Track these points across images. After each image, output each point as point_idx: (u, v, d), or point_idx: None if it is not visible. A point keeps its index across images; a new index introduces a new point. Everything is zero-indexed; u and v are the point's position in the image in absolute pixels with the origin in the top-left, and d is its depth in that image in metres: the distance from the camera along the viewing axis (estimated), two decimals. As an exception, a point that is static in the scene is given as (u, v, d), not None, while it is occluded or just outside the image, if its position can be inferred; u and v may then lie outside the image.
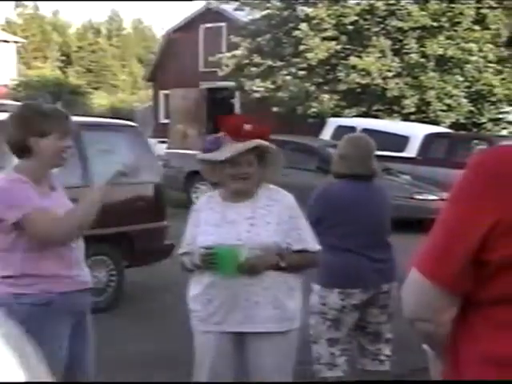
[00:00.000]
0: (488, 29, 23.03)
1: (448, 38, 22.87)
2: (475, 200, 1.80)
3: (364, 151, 4.74)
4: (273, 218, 3.89)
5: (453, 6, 22.82)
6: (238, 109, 29.23)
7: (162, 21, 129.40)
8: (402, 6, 22.72)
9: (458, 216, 1.85)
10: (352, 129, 18.14)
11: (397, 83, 22.87)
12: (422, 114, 22.93)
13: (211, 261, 3.83)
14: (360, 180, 4.72)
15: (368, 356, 4.77)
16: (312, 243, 4.07)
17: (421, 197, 14.63)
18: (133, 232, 7.64)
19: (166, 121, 30.10)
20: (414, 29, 22.72)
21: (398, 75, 23.16)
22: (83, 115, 11.00)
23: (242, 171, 3.88)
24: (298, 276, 4.11)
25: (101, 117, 15.99)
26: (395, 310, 4.81)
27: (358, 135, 5.51)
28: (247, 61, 25.28)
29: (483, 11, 22.90)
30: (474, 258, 1.80)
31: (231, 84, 27.41)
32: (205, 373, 4.01)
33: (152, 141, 16.82)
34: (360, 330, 4.78)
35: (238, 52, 25.75)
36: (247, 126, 3.96)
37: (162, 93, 33.36)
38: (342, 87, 23.50)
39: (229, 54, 26.55)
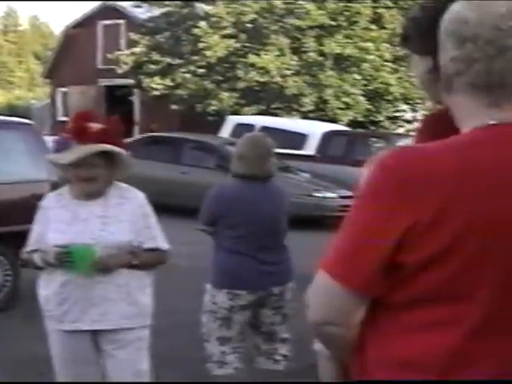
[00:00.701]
0: (384, 28, 23.65)
1: (345, 36, 23.38)
2: (389, 202, 1.77)
3: (262, 151, 4.76)
4: (125, 216, 3.93)
5: (350, 5, 23.46)
6: (137, 106, 29.16)
7: (60, 17, 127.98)
8: (300, 4, 23.08)
9: (371, 218, 1.81)
10: (251, 126, 18.45)
11: (295, 81, 23.23)
12: (320, 112, 23.29)
13: (66, 259, 3.83)
14: (257, 181, 4.75)
15: (263, 355, 4.85)
16: (162, 242, 4.15)
17: (320, 194, 14.83)
18: (28, 231, 7.41)
19: (64, 118, 29.66)
20: (312, 27, 23.10)
21: (297, 73, 23.54)
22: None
23: (85, 174, 3.88)
24: (150, 273, 4.19)
25: (-4, 114, 15.65)
26: (292, 310, 4.98)
27: (257, 135, 5.54)
28: (146, 58, 25.30)
29: (380, 11, 23.56)
30: (388, 260, 1.77)
31: (130, 81, 27.41)
32: (66, 372, 4.05)
33: (49, 138, 16.52)
34: (254, 329, 4.87)
35: (136, 49, 25.73)
36: (94, 127, 3.92)
37: (59, 90, 33.07)
38: (241, 85, 23.75)
39: (127, 52, 26.57)
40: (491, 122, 1.82)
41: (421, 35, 2.07)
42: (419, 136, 2.36)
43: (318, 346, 3.49)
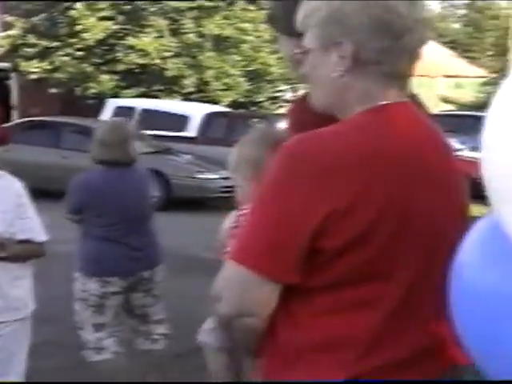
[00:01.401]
0: (263, 9, 23.85)
1: (224, 18, 23.43)
2: (305, 191, 1.75)
3: (123, 136, 4.75)
4: None
5: None
6: (15, 90, 28.42)
7: None
8: (179, -14, 23.20)
9: (286, 207, 1.76)
10: (131, 109, 18.53)
11: (175, 63, 23.18)
12: (201, 94, 23.36)
13: None
14: (120, 166, 4.75)
15: (141, 336, 4.91)
16: (38, 233, 4.05)
17: (202, 176, 14.91)
18: None
19: None
20: (190, 9, 23.12)
21: (177, 55, 23.46)
22: None
23: None
24: (25, 265, 4.08)
25: None
26: (163, 291, 5.12)
27: (117, 120, 5.50)
28: (22, 41, 24.63)
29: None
30: (307, 247, 1.76)
31: (6, 65, 26.59)
32: None
33: None
34: (128, 313, 4.89)
35: (12, 32, 24.93)
36: None
37: None
38: (121, 68, 23.48)
39: (3, 34, 25.72)
40: (384, 103, 1.85)
41: (287, 15, 2.03)
42: (289, 124, 2.41)
43: (204, 337, 3.68)
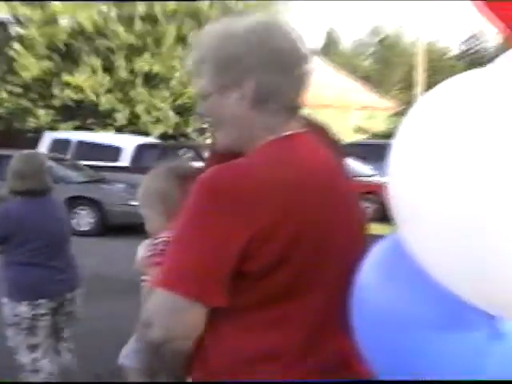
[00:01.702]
0: (189, 47, 24.95)
1: (153, 55, 24.45)
2: (225, 220, 1.76)
3: (37, 167, 4.76)
4: None
5: (157, 27, 24.58)
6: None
7: None
8: (109, 26, 24.07)
9: (209, 235, 1.78)
10: (67, 141, 19.24)
11: (108, 98, 24.09)
12: (133, 127, 24.28)
13: None
14: (36, 196, 4.76)
15: (66, 354, 5.00)
16: None
17: (135, 203, 15.01)
18: None
19: None
20: (121, 48, 24.05)
21: (110, 91, 24.31)
22: None
23: None
24: None
25: None
26: (97, 313, 5.38)
27: (30, 151, 5.29)
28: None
29: (184, 32, 24.99)
30: (232, 271, 1.78)
31: None
32: None
33: None
34: (57, 334, 4.96)
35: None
36: None
37: None
38: (58, 103, 24.16)
39: None
40: (287, 133, 1.92)
41: (196, 61, 2.03)
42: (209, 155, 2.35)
43: (125, 360, 3.56)
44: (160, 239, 2.75)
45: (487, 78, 1.50)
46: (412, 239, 1.55)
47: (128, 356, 3.48)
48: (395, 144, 1.54)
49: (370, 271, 1.78)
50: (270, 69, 1.86)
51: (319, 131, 2.20)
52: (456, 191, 1.37)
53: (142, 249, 2.99)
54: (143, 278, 2.87)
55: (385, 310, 1.68)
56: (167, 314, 1.79)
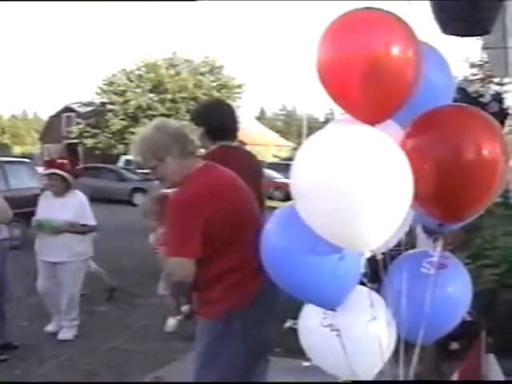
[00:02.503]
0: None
1: None
2: (190, 215, 3.43)
3: None
4: None
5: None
6: None
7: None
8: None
9: (187, 222, 3.44)
10: (131, 161, 32.47)
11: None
12: None
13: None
14: None
15: None
16: (91, 221, 6.98)
17: None
18: (30, 211, 8.75)
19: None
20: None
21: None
22: None
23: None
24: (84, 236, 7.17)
25: None
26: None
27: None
28: None
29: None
30: (201, 238, 3.44)
31: None
32: None
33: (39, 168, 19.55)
34: None
35: None
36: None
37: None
38: (128, 142, 43.02)
39: None
40: (200, 165, 3.66)
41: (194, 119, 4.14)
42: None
43: (162, 292, 5.97)
44: (159, 233, 4.39)
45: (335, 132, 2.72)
46: (301, 206, 2.76)
47: (163, 289, 5.54)
48: (296, 162, 2.73)
49: (273, 225, 3.07)
50: (174, 142, 3.66)
51: (247, 154, 4.64)
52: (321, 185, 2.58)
53: (151, 237, 4.86)
54: (156, 251, 4.39)
55: (281, 247, 2.97)
56: (178, 268, 3.56)
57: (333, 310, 2.98)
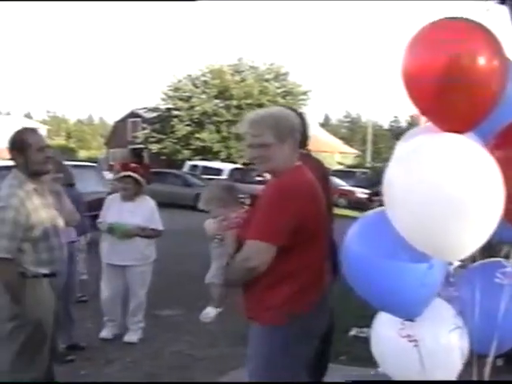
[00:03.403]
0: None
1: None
2: (284, 205, 3.44)
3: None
4: None
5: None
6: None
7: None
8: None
9: (277, 211, 3.43)
10: (196, 166, 35.17)
11: (218, 145, 46.25)
12: (229, 159, 44.40)
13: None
14: None
15: None
16: (158, 226, 7.39)
17: None
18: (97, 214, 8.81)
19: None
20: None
21: (218, 141, 46.64)
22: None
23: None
24: (151, 240, 7.67)
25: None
26: None
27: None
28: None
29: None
30: (290, 230, 3.41)
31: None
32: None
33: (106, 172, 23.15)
34: None
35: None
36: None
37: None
38: (193, 147, 46.02)
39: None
40: (297, 164, 3.62)
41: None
42: None
43: (210, 279, 4.67)
44: (221, 219, 4.23)
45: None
46: (394, 214, 2.77)
47: (214, 276, 4.64)
48: (389, 171, 2.79)
49: (358, 233, 3.07)
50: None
51: (316, 161, 4.58)
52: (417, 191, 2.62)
53: (210, 223, 4.44)
54: (216, 237, 4.24)
55: (367, 255, 2.94)
56: (257, 253, 3.47)
57: (411, 320, 2.97)
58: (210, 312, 4.65)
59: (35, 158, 4.56)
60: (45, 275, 4.62)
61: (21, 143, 4.60)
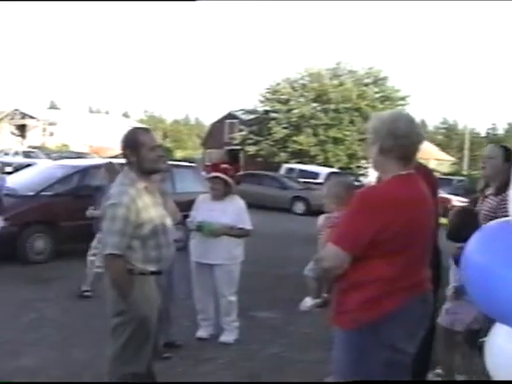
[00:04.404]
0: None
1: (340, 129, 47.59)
2: (368, 214, 3.42)
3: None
4: None
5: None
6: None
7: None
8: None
9: (359, 221, 3.45)
10: (293, 169, 35.32)
11: (315, 149, 47.07)
12: (326, 162, 44.23)
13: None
14: None
15: None
16: (247, 225, 7.60)
17: None
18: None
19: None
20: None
21: (315, 145, 47.49)
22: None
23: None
24: (239, 240, 7.71)
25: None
26: None
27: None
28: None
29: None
30: (368, 240, 3.41)
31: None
32: None
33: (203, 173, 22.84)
34: None
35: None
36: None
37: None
38: (290, 150, 47.51)
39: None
40: (402, 173, 3.50)
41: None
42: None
43: (307, 272, 5.38)
44: (331, 216, 4.78)
45: None
46: None
47: (311, 270, 5.26)
48: None
49: (481, 243, 3.03)
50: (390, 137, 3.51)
51: (424, 169, 4.45)
52: None
53: (322, 218, 4.95)
54: (320, 234, 4.62)
55: (490, 264, 2.87)
56: (333, 256, 3.52)
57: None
58: (308, 302, 4.97)
59: (148, 156, 4.63)
60: (152, 273, 4.67)
61: (134, 142, 4.67)
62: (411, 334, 3.63)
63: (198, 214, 7.69)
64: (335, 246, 3.48)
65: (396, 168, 3.55)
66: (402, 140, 3.52)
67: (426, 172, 4.77)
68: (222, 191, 7.59)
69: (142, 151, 4.63)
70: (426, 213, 3.65)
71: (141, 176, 4.68)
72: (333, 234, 3.62)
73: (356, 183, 20.37)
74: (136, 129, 4.94)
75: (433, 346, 5.57)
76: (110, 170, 9.80)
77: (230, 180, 7.58)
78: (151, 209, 4.66)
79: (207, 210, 7.61)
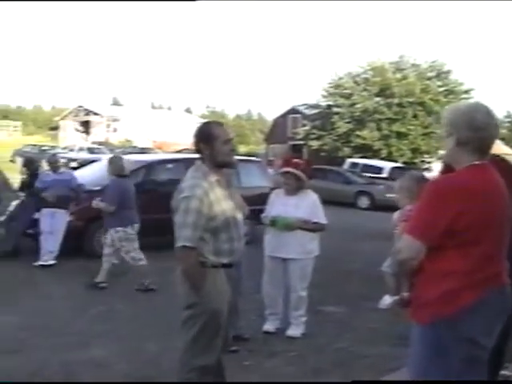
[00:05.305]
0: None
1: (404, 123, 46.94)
2: (443, 203, 3.39)
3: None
4: None
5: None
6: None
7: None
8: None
9: (436, 210, 3.41)
10: (357, 163, 34.89)
11: (378, 143, 46.57)
12: (390, 157, 43.70)
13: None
14: None
15: None
16: (322, 219, 7.70)
17: (389, 195, 25.09)
18: (261, 209, 8.74)
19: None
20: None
21: (379, 139, 46.88)
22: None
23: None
24: (314, 234, 7.76)
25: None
26: None
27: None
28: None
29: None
30: (443, 229, 3.37)
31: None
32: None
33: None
34: None
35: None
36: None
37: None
38: (353, 145, 47.28)
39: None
40: (476, 163, 3.47)
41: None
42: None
43: (385, 268, 6.12)
44: (405, 210, 4.97)
45: None
46: None
47: (389, 266, 5.68)
48: None
49: None
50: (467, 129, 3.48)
51: (501, 161, 4.23)
52: None
53: (397, 214, 5.16)
54: (396, 229, 4.86)
55: None
56: (407, 247, 3.49)
57: None
58: (387, 299, 5.02)
59: (221, 149, 4.67)
60: (223, 265, 4.71)
61: (208, 135, 4.71)
62: (490, 328, 3.56)
63: (272, 209, 7.74)
64: (409, 236, 3.46)
65: (471, 160, 3.52)
66: (479, 132, 3.48)
67: (503, 165, 4.54)
68: (294, 186, 7.62)
69: (216, 144, 4.67)
70: (502, 204, 3.59)
71: (213, 169, 4.71)
72: (407, 226, 3.59)
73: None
74: (210, 122, 4.97)
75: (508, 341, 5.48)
76: (114, 162, 10.18)
77: (301, 175, 7.59)
78: (223, 202, 4.69)
79: (281, 205, 7.66)
